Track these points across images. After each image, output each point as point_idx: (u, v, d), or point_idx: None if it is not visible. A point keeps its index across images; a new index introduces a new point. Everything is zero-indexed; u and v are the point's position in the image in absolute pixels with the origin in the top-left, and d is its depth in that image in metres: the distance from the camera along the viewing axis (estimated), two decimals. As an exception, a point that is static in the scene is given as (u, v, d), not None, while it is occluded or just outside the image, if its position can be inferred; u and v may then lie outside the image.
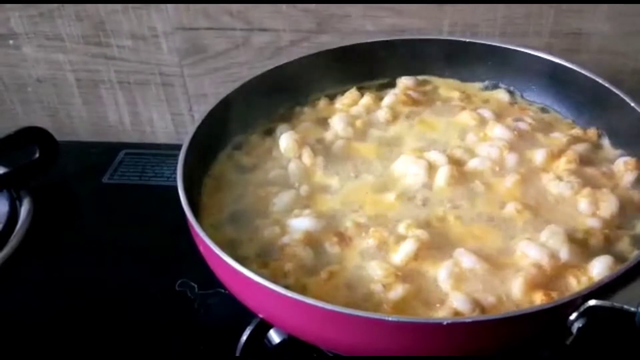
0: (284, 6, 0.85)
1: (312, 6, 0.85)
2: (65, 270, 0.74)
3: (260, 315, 0.56)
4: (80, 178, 0.88)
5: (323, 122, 0.73)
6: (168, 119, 0.98)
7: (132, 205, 0.83)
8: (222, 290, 0.65)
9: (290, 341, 0.60)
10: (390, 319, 0.45)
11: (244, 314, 0.59)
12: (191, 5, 0.87)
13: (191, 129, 0.63)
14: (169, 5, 0.87)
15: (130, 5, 0.88)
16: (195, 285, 0.71)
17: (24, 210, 0.78)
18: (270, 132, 0.72)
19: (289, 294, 0.46)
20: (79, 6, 0.89)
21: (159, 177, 0.87)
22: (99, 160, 0.91)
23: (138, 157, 0.91)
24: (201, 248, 0.54)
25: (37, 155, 0.82)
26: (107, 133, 0.99)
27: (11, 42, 0.94)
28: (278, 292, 0.47)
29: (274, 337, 0.61)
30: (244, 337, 0.60)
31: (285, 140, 0.68)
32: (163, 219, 0.76)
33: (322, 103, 0.76)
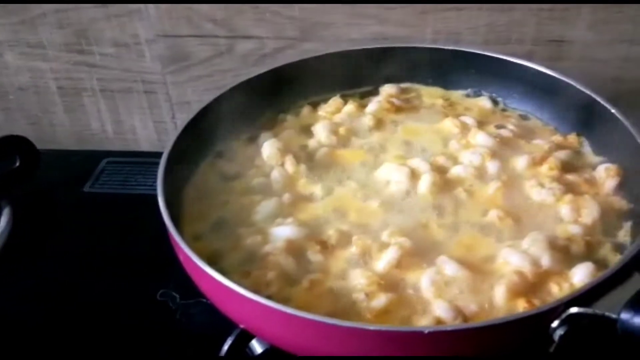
0: (267, 14, 0.85)
1: (297, 13, 0.85)
2: (46, 280, 0.73)
3: (242, 326, 0.55)
4: (62, 187, 0.87)
5: (306, 130, 0.73)
6: (151, 127, 0.97)
7: (114, 214, 0.82)
8: (204, 300, 0.64)
9: (272, 351, 0.60)
10: (371, 328, 0.45)
11: (225, 324, 0.58)
12: (174, 13, 0.87)
13: (172, 138, 0.63)
14: (152, 13, 0.86)
15: (112, 13, 0.88)
16: (177, 295, 0.70)
17: (4, 219, 0.77)
18: (253, 140, 0.72)
19: (270, 303, 0.46)
20: (61, 14, 0.89)
21: (141, 185, 0.86)
22: (81, 169, 0.90)
23: (120, 165, 0.91)
24: (181, 258, 0.54)
25: (17, 164, 0.81)
26: (90, 141, 0.98)
27: (-8, 49, 0.93)
28: (259, 302, 0.46)
29: (256, 347, 0.60)
30: (226, 347, 0.60)
31: (268, 148, 0.68)
32: (145, 228, 0.74)
33: (306, 110, 0.76)
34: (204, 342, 0.64)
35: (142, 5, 0.86)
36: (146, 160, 0.91)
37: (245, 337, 0.59)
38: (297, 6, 0.84)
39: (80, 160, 0.92)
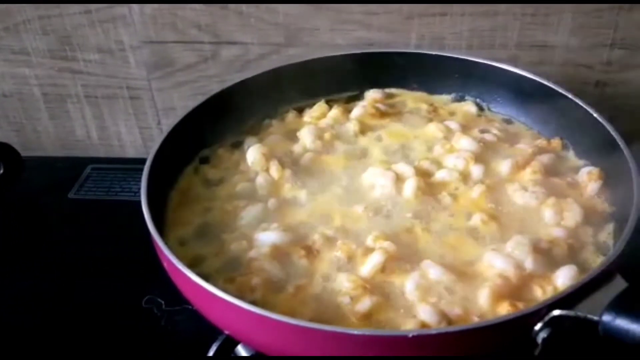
0: (252, 19, 0.85)
1: (281, 19, 0.85)
2: (30, 286, 0.73)
3: (226, 332, 0.55)
4: (46, 193, 0.86)
5: (292, 135, 0.73)
6: (136, 133, 0.97)
7: (99, 221, 0.82)
8: (189, 307, 0.64)
9: (257, 357, 0.60)
10: (355, 332, 0.45)
11: (211, 331, 0.58)
12: (159, 19, 0.86)
13: (156, 144, 0.63)
14: (137, 19, 0.86)
15: (97, 19, 0.87)
16: (162, 302, 0.70)
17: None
18: (238, 146, 0.72)
19: (254, 309, 0.46)
20: (45, 20, 0.88)
21: (126, 191, 0.86)
22: (66, 176, 0.89)
23: (105, 172, 0.90)
24: (165, 264, 0.54)
25: (0, 170, 0.80)
26: (74, 147, 0.98)
27: (-25, 56, 0.92)
28: (243, 307, 0.46)
29: (242, 352, 0.60)
30: (211, 353, 0.59)
31: (253, 153, 0.68)
32: (130, 235, 0.73)
33: (291, 116, 0.76)
34: (190, 348, 0.64)
35: (126, 12, 0.86)
36: (131, 166, 0.91)
37: (230, 343, 0.59)
38: (281, 12, 0.84)
39: (64, 166, 0.92)
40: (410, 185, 0.63)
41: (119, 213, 0.82)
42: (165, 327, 0.67)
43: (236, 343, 0.59)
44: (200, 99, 0.71)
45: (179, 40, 0.88)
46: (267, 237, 0.58)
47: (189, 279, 0.49)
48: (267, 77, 0.76)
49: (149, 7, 0.86)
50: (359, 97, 0.79)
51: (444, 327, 0.49)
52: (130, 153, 0.98)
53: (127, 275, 0.73)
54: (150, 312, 0.69)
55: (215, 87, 0.74)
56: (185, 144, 0.69)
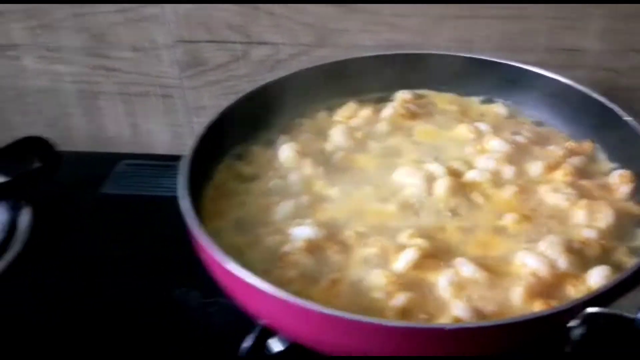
0: (283, 20, 0.87)
1: (312, 20, 0.86)
2: (63, 280, 0.74)
3: (263, 322, 0.56)
4: (79, 188, 0.88)
5: (323, 134, 0.74)
6: (167, 131, 0.98)
7: (131, 216, 0.83)
8: (222, 300, 0.65)
9: (291, 349, 0.60)
10: (393, 324, 0.46)
11: (244, 323, 0.59)
12: (192, 19, 0.88)
13: (195, 138, 0.64)
14: (170, 18, 0.88)
15: (131, 18, 0.89)
16: (196, 295, 0.71)
17: (24, 219, 0.78)
18: (270, 143, 0.73)
19: (298, 300, 0.47)
20: (80, 18, 0.90)
21: (158, 187, 0.87)
22: (98, 171, 0.91)
23: (137, 167, 0.92)
24: (203, 254, 0.55)
25: (37, 164, 0.82)
26: (106, 144, 1.00)
27: (11, 53, 0.94)
28: (286, 300, 0.47)
29: (275, 345, 0.61)
30: (245, 346, 0.60)
31: (286, 151, 0.69)
32: (162, 230, 0.77)
33: (321, 115, 0.77)
34: (223, 341, 0.64)
35: (160, 11, 0.88)
36: (162, 163, 0.92)
37: (264, 335, 0.60)
38: (312, 13, 0.86)
39: (97, 162, 0.93)
40: (442, 184, 0.63)
41: (151, 208, 0.83)
42: (198, 320, 0.68)
43: (270, 335, 0.60)
44: (231, 98, 0.72)
45: (211, 40, 0.90)
46: (302, 232, 0.59)
47: (228, 268, 0.50)
48: (299, 76, 0.77)
49: (182, 7, 0.88)
50: (388, 97, 0.80)
51: (483, 321, 0.49)
52: (161, 150, 1.00)
53: (159, 268, 0.74)
54: (183, 305, 0.70)
55: (245, 87, 0.75)
56: (219, 141, 0.70)
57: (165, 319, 0.69)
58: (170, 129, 0.98)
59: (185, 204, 0.56)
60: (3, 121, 1.00)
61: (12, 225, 0.78)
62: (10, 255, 0.75)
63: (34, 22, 0.92)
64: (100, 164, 0.92)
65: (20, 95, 0.98)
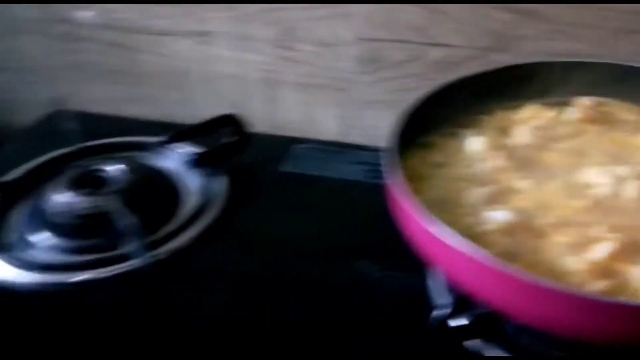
0: (463, 23, 0.91)
1: (491, 25, 0.90)
2: (258, 239, 0.83)
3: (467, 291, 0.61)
4: (261, 165, 0.96)
5: (504, 131, 0.77)
6: (337, 121, 1.05)
7: (308, 194, 0.91)
8: (400, 274, 0.70)
9: (472, 324, 0.65)
10: (605, 300, 0.49)
11: (422, 297, 0.66)
12: (376, 18, 0.95)
13: (396, 125, 0.70)
14: (356, 17, 0.95)
15: (319, 16, 0.97)
16: (374, 268, 0.76)
17: (222, 186, 0.87)
18: (454, 136, 0.78)
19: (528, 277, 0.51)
20: (273, 13, 0.99)
21: (334, 170, 0.93)
22: (276, 152, 0.99)
23: (310, 150, 0.99)
24: (412, 224, 0.60)
25: (233, 138, 0.91)
26: (282, 128, 1.07)
27: (206, 39, 1.05)
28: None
29: (458, 322, 0.65)
30: (439, 314, 0.65)
31: (475, 143, 0.74)
32: (338, 209, 0.84)
33: (501, 114, 0.81)
34: (405, 316, 0.70)
35: (347, 10, 0.95)
36: (332, 148, 0.99)
37: (460, 305, 0.65)
38: (492, 18, 0.90)
39: (274, 143, 1.01)
40: (634, 185, 0.66)
41: (327, 188, 0.90)
42: (379, 293, 0.73)
43: (459, 309, 0.65)
44: (403, 95, 0.77)
45: (390, 38, 0.96)
46: (498, 216, 0.63)
47: (443, 239, 0.55)
48: (483, 76, 0.81)
49: (368, 7, 0.94)
50: (567, 102, 0.82)
51: None
52: (329, 137, 1.06)
53: (340, 241, 0.81)
54: (364, 278, 0.76)
55: (416, 86, 0.80)
56: (410, 130, 0.75)
57: (346, 292, 0.74)
58: (340, 120, 1.05)
59: (397, 177, 0.62)
60: (192, 101, 1.10)
61: (208, 191, 0.87)
62: (208, 218, 0.83)
63: (231, 13, 1.01)
64: (277, 146, 1.01)
65: (209, 79, 1.08)
